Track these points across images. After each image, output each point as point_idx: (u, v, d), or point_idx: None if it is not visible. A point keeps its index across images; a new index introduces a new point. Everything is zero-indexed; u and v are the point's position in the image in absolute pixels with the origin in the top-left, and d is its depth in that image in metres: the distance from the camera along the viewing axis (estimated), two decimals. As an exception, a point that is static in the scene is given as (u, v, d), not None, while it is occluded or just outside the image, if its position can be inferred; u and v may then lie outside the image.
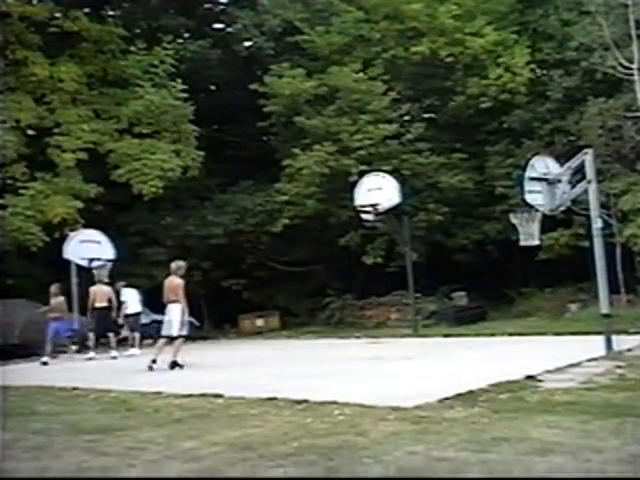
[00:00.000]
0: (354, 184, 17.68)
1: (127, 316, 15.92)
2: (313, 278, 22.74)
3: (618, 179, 17.13)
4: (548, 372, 8.57)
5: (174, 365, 11.28)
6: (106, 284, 15.47)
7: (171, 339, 11.55)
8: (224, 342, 18.72)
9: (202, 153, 19.77)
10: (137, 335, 15.93)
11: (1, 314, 16.29)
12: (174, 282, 11.59)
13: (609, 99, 17.40)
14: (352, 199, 17.46)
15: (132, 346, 15.68)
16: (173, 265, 11.84)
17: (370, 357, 12.19)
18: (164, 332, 11.60)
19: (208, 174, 20.98)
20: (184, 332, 11.53)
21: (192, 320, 20.30)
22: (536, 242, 12.14)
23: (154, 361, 11.33)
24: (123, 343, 16.51)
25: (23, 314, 17.15)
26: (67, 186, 17.89)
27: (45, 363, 14.06)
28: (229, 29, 24.65)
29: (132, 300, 16.14)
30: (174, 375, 10.95)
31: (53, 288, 15.04)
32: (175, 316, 11.48)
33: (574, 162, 11.01)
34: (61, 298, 15.08)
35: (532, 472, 4.45)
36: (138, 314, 16.18)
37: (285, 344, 17.24)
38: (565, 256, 18.56)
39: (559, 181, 10.88)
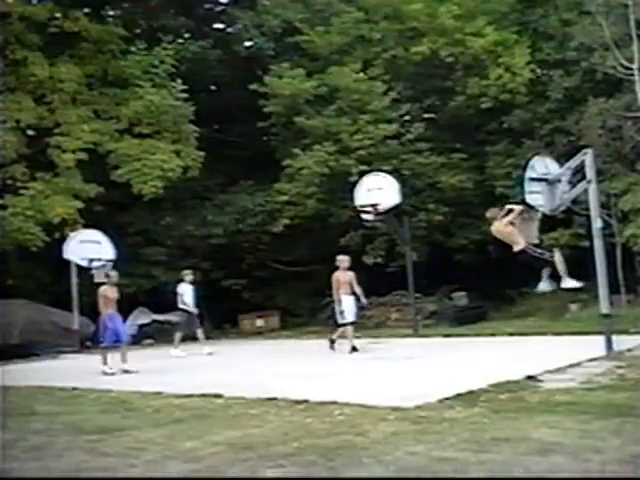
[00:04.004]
0: (354, 184, 17.67)
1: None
2: (313, 278, 22.68)
3: (618, 179, 17.12)
4: (548, 372, 8.57)
5: (353, 349, 12.94)
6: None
7: (342, 325, 13.28)
8: (224, 342, 18.70)
9: (202, 153, 19.77)
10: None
11: (1, 314, 16.30)
12: (341, 276, 13.31)
13: (609, 99, 17.38)
14: (352, 199, 17.45)
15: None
16: (337, 260, 13.62)
17: (370, 357, 12.19)
18: (340, 321, 13.28)
19: (208, 174, 20.96)
20: (353, 319, 13.40)
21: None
22: (535, 242, 12.12)
23: (332, 345, 13.21)
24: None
25: (23, 314, 17.17)
26: (67, 186, 17.90)
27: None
28: (229, 29, 24.64)
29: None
30: (174, 375, 10.96)
31: None
32: (347, 306, 13.21)
33: (574, 162, 11.01)
34: None
35: (532, 472, 4.45)
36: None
37: (285, 344, 17.25)
38: (565, 256, 18.50)
39: (559, 181, 10.88)
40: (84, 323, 17.94)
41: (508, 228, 10.37)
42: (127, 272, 18.49)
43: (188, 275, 15.37)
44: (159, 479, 4.93)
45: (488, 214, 10.93)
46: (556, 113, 19.41)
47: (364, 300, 13.78)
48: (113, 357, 11.92)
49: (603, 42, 17.02)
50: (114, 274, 12.44)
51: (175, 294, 15.29)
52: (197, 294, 15.41)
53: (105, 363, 11.72)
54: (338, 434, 5.72)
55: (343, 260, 13.58)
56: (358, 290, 13.45)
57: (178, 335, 15.08)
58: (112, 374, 11.43)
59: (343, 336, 13.27)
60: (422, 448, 5.08)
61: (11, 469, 5.28)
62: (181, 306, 15.13)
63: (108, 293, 12.07)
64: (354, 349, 12.96)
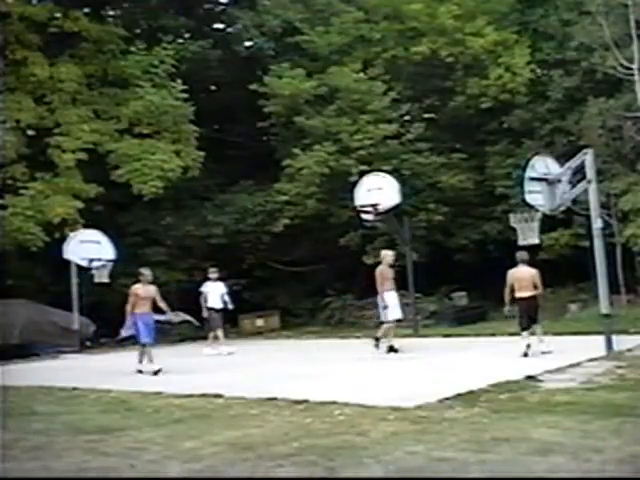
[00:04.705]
0: (354, 184, 17.67)
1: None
2: (313, 278, 22.70)
3: (618, 179, 17.12)
4: (548, 372, 8.59)
5: (392, 350, 12.40)
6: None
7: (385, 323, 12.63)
8: (224, 342, 18.70)
9: (202, 153, 19.76)
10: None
11: (1, 314, 16.30)
12: (385, 271, 12.64)
13: (609, 99, 17.39)
14: (352, 199, 17.45)
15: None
16: (381, 255, 13.09)
17: (370, 357, 12.18)
18: (383, 318, 12.64)
19: (208, 174, 20.96)
20: (399, 315, 12.81)
21: (192, 320, 20.49)
22: (536, 241, 12.16)
23: (377, 344, 12.44)
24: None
25: (23, 314, 17.17)
26: (67, 186, 17.89)
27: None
28: (229, 29, 24.63)
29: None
30: (174, 375, 10.95)
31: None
32: (392, 302, 12.58)
33: (574, 162, 11.02)
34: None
35: (532, 472, 4.46)
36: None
37: (285, 344, 17.24)
38: (565, 256, 18.55)
39: (559, 181, 10.89)
40: (84, 323, 17.95)
41: None
42: (127, 272, 18.52)
43: (213, 273, 15.06)
44: (159, 479, 4.93)
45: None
46: (556, 113, 19.42)
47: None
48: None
49: (603, 42, 17.02)
50: (148, 272, 11.88)
51: (200, 293, 15.06)
52: (229, 290, 15.29)
53: (151, 361, 11.38)
54: (338, 434, 5.72)
55: (387, 255, 12.99)
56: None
57: (219, 332, 14.79)
58: (159, 371, 11.15)
59: (388, 334, 12.64)
60: (422, 448, 5.08)
61: (11, 469, 5.28)
62: (204, 304, 14.87)
63: (140, 291, 11.64)
64: (392, 349, 12.43)
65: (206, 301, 14.85)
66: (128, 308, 11.70)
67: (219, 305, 14.89)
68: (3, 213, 16.83)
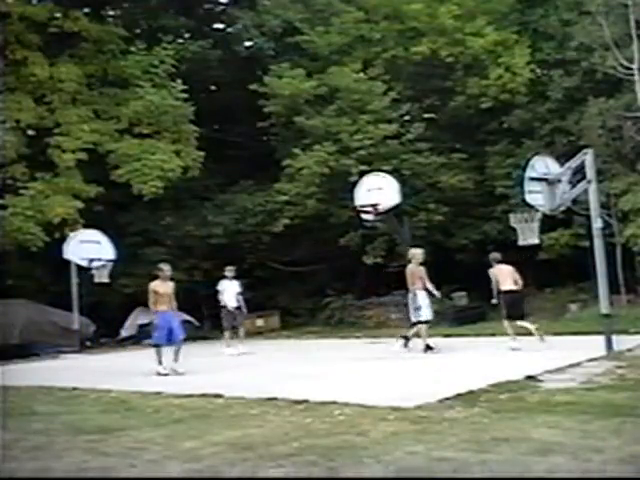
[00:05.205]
0: (354, 184, 17.67)
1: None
2: (313, 278, 22.70)
3: (618, 179, 17.13)
4: (548, 372, 8.58)
5: (428, 348, 12.25)
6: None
7: (417, 323, 12.48)
8: (224, 342, 18.69)
9: (202, 153, 19.77)
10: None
11: (1, 314, 16.31)
12: (415, 270, 12.51)
13: (609, 99, 17.39)
14: (352, 199, 17.45)
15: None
16: (409, 254, 12.94)
17: (370, 357, 12.19)
18: (414, 318, 12.46)
19: (208, 174, 20.96)
20: (430, 316, 12.57)
21: (192, 320, 20.48)
22: (536, 241, 12.23)
23: (406, 343, 12.62)
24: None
25: (23, 314, 17.18)
26: (67, 186, 17.90)
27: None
28: (229, 29, 24.62)
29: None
30: (174, 376, 10.95)
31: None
32: (424, 301, 12.42)
33: (574, 162, 11.03)
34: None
35: (532, 472, 4.45)
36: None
37: (285, 344, 17.25)
38: (565, 256, 18.56)
39: (559, 181, 10.90)
40: (84, 323, 17.96)
41: None
42: (127, 272, 18.54)
43: (230, 271, 14.91)
44: (159, 479, 4.93)
45: None
46: (556, 113, 19.42)
47: (437, 293, 12.93)
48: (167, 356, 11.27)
49: (603, 42, 17.03)
50: (167, 268, 11.38)
51: (216, 292, 14.98)
52: (244, 289, 15.31)
53: (160, 363, 11.08)
54: (338, 434, 5.72)
55: (416, 253, 12.70)
56: (430, 285, 12.62)
57: (227, 334, 14.79)
58: (165, 375, 10.86)
59: (417, 335, 12.46)
60: (422, 448, 5.08)
61: (11, 469, 5.28)
62: (221, 303, 14.82)
63: (158, 288, 11.16)
64: (428, 347, 12.23)
65: (222, 299, 14.81)
66: (151, 306, 11.38)
67: (234, 304, 14.84)
68: (3, 213, 16.84)
